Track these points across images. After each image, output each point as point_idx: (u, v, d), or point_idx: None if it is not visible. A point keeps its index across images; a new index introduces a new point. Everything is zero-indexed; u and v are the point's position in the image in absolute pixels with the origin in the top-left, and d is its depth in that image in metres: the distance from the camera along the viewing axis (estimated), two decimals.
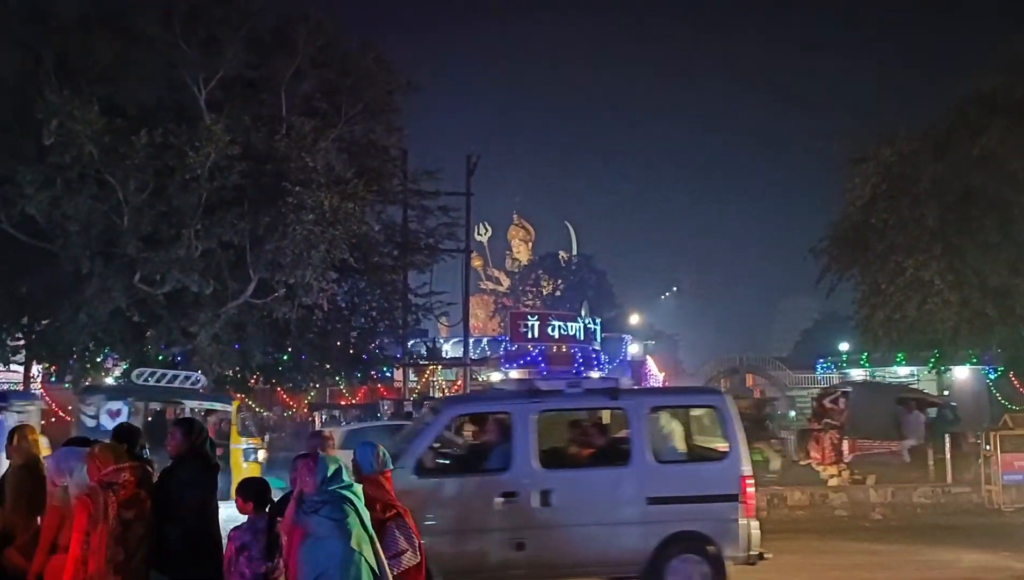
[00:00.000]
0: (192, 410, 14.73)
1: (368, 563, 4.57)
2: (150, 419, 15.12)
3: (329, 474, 4.63)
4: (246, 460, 14.61)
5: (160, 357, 19.75)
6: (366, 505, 4.73)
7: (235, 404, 15.97)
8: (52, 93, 15.86)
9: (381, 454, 5.28)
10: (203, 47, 18.92)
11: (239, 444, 14.71)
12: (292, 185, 16.88)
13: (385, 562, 4.73)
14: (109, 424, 13.02)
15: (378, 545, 4.70)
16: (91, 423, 13.75)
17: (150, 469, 5.21)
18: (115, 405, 14.05)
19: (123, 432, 5.47)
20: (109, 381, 23.69)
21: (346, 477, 4.73)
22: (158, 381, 15.29)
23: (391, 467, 5.35)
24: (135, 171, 16.33)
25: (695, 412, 9.06)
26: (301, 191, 16.77)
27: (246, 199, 17.35)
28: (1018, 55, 20.97)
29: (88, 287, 17.06)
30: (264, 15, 20.21)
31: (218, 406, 15.43)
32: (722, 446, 8.08)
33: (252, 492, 5.15)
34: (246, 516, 5.06)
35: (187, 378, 15.51)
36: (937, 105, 23.12)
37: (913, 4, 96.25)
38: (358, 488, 4.75)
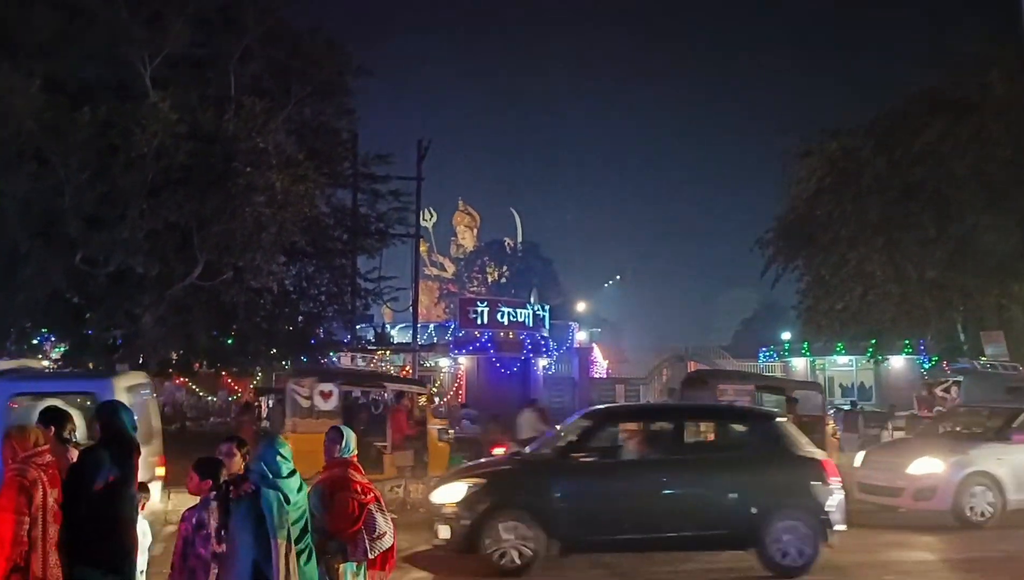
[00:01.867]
0: (393, 392, 15.97)
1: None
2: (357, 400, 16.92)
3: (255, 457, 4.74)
4: (440, 440, 15.81)
5: (101, 340, 19.30)
6: (348, 486, 4.76)
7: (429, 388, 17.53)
8: None
9: (354, 438, 5.34)
10: (148, 24, 18.39)
11: (433, 425, 15.87)
12: (242, 166, 16.56)
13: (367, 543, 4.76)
14: (322, 404, 14.51)
15: (281, 550, 4.65)
16: (305, 404, 14.74)
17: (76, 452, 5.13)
18: (326, 386, 14.93)
19: (50, 415, 5.27)
20: (45, 363, 23.11)
21: (265, 465, 4.72)
22: None
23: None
24: (77, 149, 15.82)
25: None
26: (251, 172, 16.46)
27: (193, 179, 16.94)
28: (960, 54, 21.60)
29: (26, 267, 16.52)
30: None
31: (415, 389, 16.77)
32: None
33: (208, 470, 5.09)
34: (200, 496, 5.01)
35: None
36: (882, 101, 23.68)
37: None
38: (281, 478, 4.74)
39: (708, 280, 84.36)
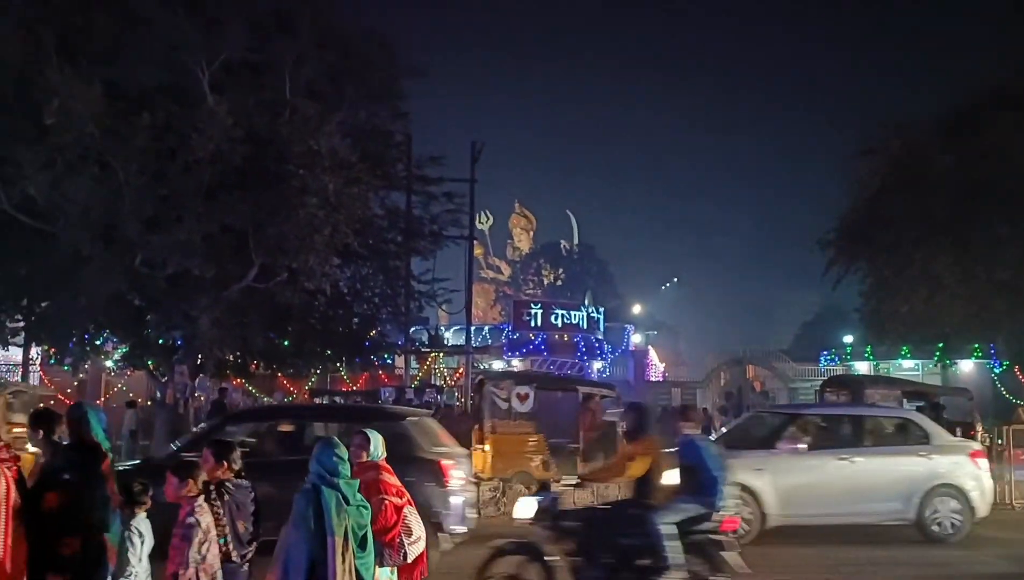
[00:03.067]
0: (585, 394, 16.44)
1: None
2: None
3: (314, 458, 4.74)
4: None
5: (160, 341, 19.62)
6: (379, 490, 4.69)
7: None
8: (52, 73, 15.62)
9: (381, 441, 5.25)
10: (205, 30, 18.64)
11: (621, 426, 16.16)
12: (295, 168, 16.66)
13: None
14: (519, 406, 15.11)
15: (338, 548, 4.56)
16: (503, 406, 15.23)
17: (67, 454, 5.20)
18: (523, 389, 15.41)
19: (41, 417, 5.42)
20: (108, 364, 23.59)
21: (326, 466, 4.69)
22: None
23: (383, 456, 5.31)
24: (136, 153, 16.09)
25: None
26: (304, 174, 16.56)
27: (249, 183, 17.11)
28: None
29: (88, 270, 16.86)
30: None
31: (605, 391, 17.13)
32: None
33: (185, 473, 5.06)
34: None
35: None
36: (947, 97, 22.89)
37: None
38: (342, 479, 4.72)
39: (768, 282, 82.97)
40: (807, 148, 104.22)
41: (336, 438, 5.08)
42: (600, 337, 32.29)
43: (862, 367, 31.11)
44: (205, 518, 4.91)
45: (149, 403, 22.97)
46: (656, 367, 41.45)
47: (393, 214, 23.51)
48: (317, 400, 23.61)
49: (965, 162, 21.20)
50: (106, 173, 16.41)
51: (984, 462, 11.84)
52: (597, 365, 31.98)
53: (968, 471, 11.55)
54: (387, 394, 23.28)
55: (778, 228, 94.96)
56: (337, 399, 23.55)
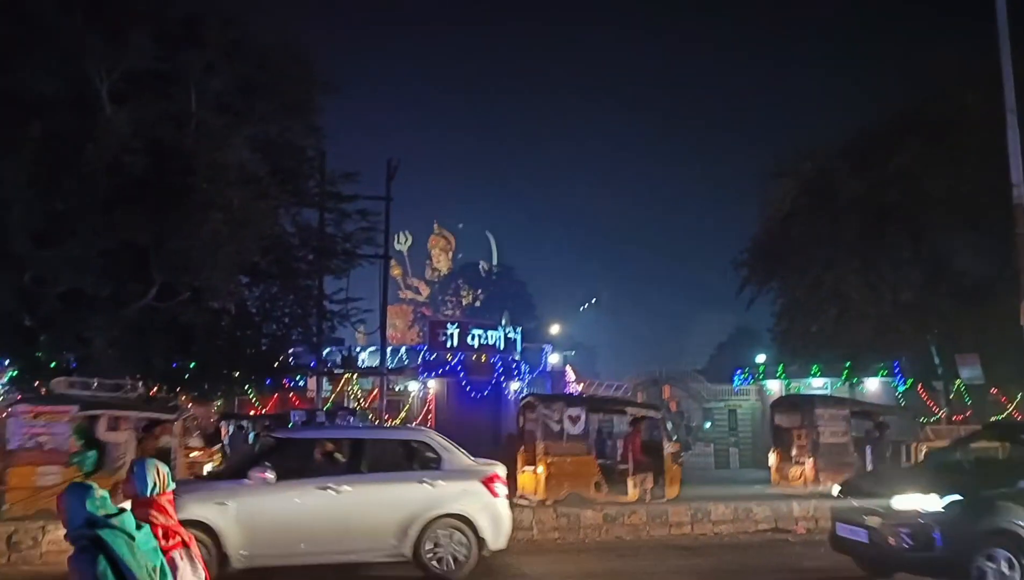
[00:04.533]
0: (633, 415, 16.79)
1: None
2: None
3: (69, 510, 3.91)
4: (674, 462, 16.32)
5: (53, 363, 18.54)
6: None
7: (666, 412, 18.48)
8: None
9: (164, 472, 4.49)
10: (107, 37, 17.81)
11: (667, 447, 16.31)
12: (200, 182, 15.97)
13: None
14: (571, 429, 15.50)
15: None
16: (556, 428, 15.51)
17: None
18: (574, 411, 15.74)
19: None
20: None
21: (91, 508, 3.90)
22: None
23: (173, 487, 4.61)
24: (26, 163, 15.18)
25: None
26: (209, 188, 15.88)
27: (150, 196, 16.33)
28: (934, 76, 21.48)
29: None
30: (174, 6, 19.23)
31: (651, 413, 17.27)
32: None
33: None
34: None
35: None
36: (856, 122, 23.52)
37: (842, 20, 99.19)
38: (124, 519, 3.97)
39: (685, 304, 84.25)
40: (725, 171, 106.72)
41: (83, 482, 4.42)
42: (517, 358, 32.04)
43: (774, 386, 31.57)
44: None
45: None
46: (574, 387, 41.40)
47: (305, 232, 22.83)
48: (224, 425, 22.66)
49: (873, 186, 21.79)
50: None
51: (503, 488, 10.75)
52: (515, 385, 31.71)
53: (479, 499, 10.44)
54: (297, 417, 22.49)
55: (695, 250, 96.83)
56: (244, 423, 22.63)
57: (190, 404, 22.15)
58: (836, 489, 10.76)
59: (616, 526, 13.89)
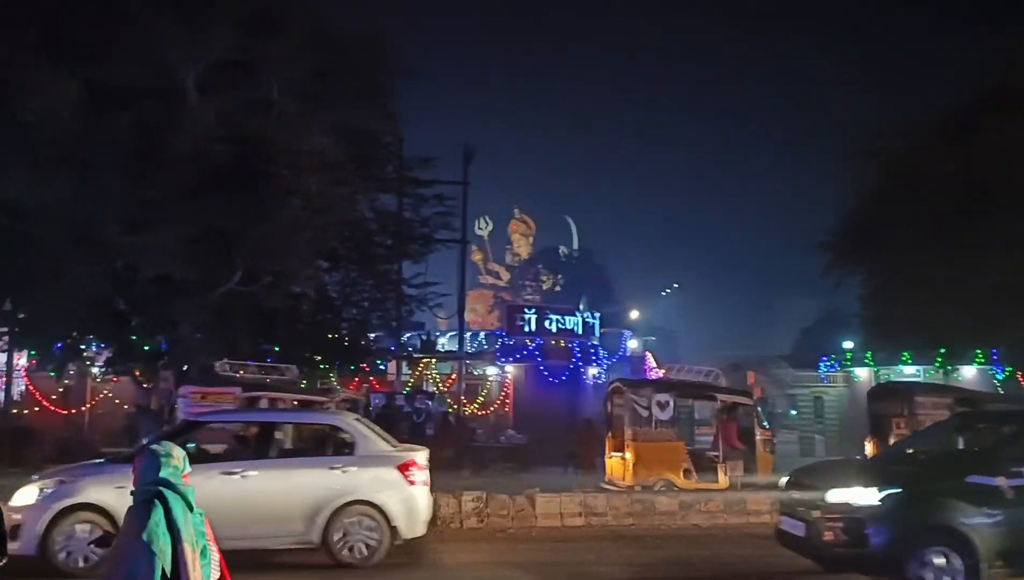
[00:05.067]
0: (723, 402, 16.68)
1: (163, 564, 4.00)
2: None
3: (144, 468, 4.22)
4: (765, 450, 16.38)
5: (146, 347, 19.24)
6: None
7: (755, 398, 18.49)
8: (32, 71, 15.27)
9: (179, 456, 4.56)
10: (191, 29, 18.29)
11: (759, 435, 16.33)
12: (279, 169, 16.29)
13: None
14: (659, 414, 15.54)
15: (187, 548, 4.10)
16: (644, 414, 15.63)
17: None
18: (663, 397, 15.83)
19: None
20: (95, 371, 23.15)
21: (164, 473, 4.20)
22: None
23: (189, 471, 4.66)
24: (117, 152, 15.73)
25: None
26: (288, 175, 16.19)
27: (232, 184, 16.74)
28: None
29: (69, 272, 16.50)
30: None
31: (742, 399, 17.08)
32: None
33: None
34: None
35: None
36: (949, 98, 22.45)
37: None
38: (181, 485, 4.22)
39: (770, 288, 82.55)
40: (810, 152, 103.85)
41: (163, 443, 4.60)
42: (596, 342, 31.85)
43: (862, 373, 30.68)
44: None
45: (135, 409, 22.58)
46: (656, 371, 41.02)
47: (383, 217, 23.13)
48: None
49: (967, 164, 20.77)
50: (87, 173, 16.06)
51: (421, 475, 10.44)
52: (593, 371, 31.55)
53: (392, 486, 10.15)
54: (377, 400, 22.84)
55: (781, 233, 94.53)
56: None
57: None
58: (783, 480, 10.15)
59: (692, 513, 13.69)
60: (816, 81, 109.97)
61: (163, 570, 3.95)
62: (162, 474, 4.20)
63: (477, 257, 61.02)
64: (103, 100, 16.42)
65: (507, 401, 28.20)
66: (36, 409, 24.59)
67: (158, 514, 4.03)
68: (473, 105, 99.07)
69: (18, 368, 23.88)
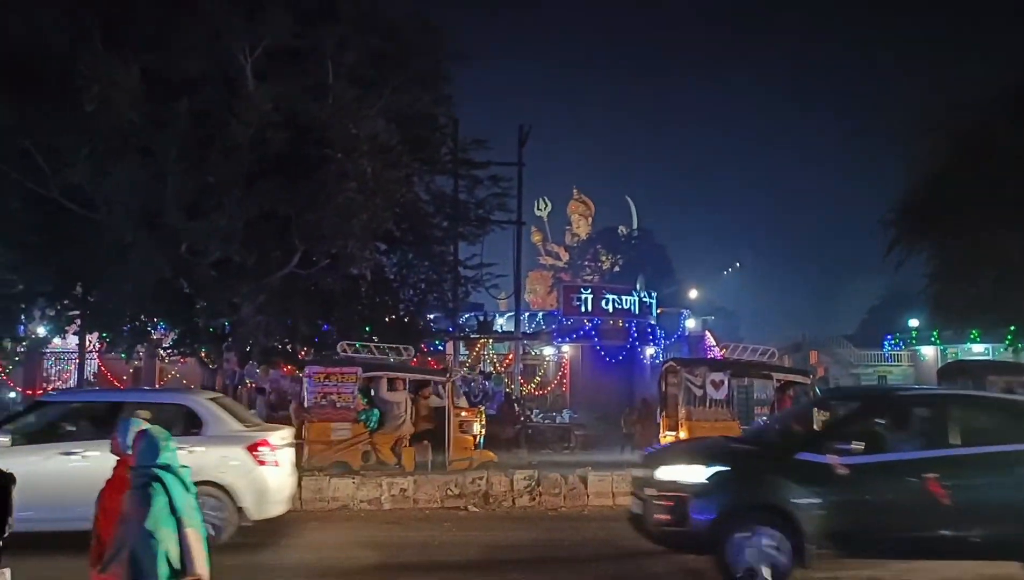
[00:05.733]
0: (782, 381, 16.57)
1: (165, 549, 4.20)
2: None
3: (143, 450, 4.42)
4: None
5: (211, 329, 19.74)
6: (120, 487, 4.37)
7: (814, 377, 18.18)
8: (93, 59, 15.71)
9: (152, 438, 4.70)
10: (248, 15, 18.60)
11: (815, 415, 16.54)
12: (334, 153, 16.51)
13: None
14: (713, 394, 15.48)
15: (190, 532, 4.33)
16: (699, 392, 15.56)
17: None
18: (717, 376, 15.68)
19: None
20: (162, 352, 23.88)
21: (164, 458, 4.38)
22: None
23: (140, 460, 4.73)
24: (177, 139, 16.12)
25: None
26: (343, 159, 16.39)
27: (289, 169, 17.02)
28: None
29: (133, 257, 17.00)
30: None
31: (799, 378, 16.95)
32: None
33: None
34: None
35: None
36: (1013, 70, 21.63)
37: None
38: (177, 466, 4.44)
39: (834, 267, 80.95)
40: (874, 129, 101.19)
41: (160, 430, 4.76)
42: (653, 322, 31.66)
43: (928, 352, 29.99)
44: None
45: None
46: (716, 351, 40.66)
47: (438, 199, 23.28)
48: None
49: None
50: (147, 160, 16.49)
51: (272, 455, 10.50)
52: (650, 350, 31.39)
53: (239, 466, 10.25)
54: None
55: (846, 212, 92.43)
56: None
57: None
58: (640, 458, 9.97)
59: None
60: (883, 56, 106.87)
61: (167, 555, 4.13)
62: (162, 458, 4.35)
63: (536, 238, 61.10)
64: (162, 88, 16.83)
65: (564, 381, 28.25)
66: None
67: (161, 500, 4.19)
68: (531, 85, 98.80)
69: (90, 349, 24.80)
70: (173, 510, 4.22)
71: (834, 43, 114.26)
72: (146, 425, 4.83)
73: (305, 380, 15.93)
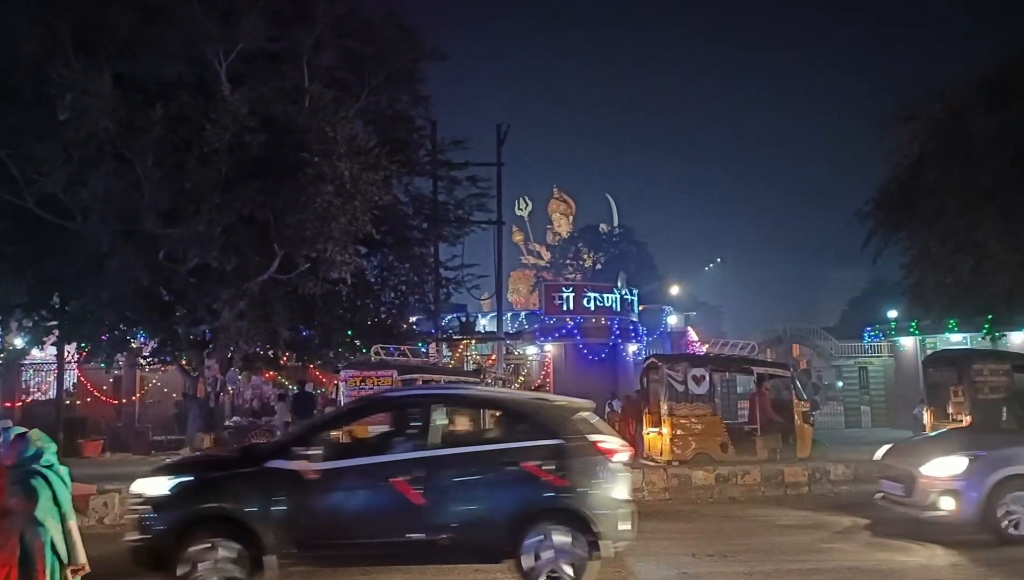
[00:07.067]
0: (760, 375, 16.63)
1: (53, 541, 4.80)
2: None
3: (29, 453, 4.97)
4: (805, 422, 16.29)
5: (191, 336, 19.61)
6: None
7: (796, 370, 18.38)
8: (66, 67, 15.58)
9: (30, 441, 5.22)
10: (221, 20, 18.51)
11: (797, 407, 16.39)
12: (312, 156, 16.44)
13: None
14: (695, 388, 15.55)
15: (72, 524, 4.96)
16: (680, 388, 15.64)
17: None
18: (698, 371, 15.82)
19: None
20: (141, 360, 23.72)
21: (46, 459, 4.97)
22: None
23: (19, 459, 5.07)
24: (152, 146, 16.01)
25: None
26: (320, 162, 16.32)
27: (266, 172, 16.93)
28: None
29: (110, 265, 16.86)
30: None
31: (779, 372, 17.16)
32: None
33: None
34: None
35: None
36: (991, 56, 21.85)
37: None
38: (59, 467, 5.04)
39: (814, 260, 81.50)
40: (853, 121, 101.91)
41: (39, 434, 5.25)
42: (635, 319, 31.73)
43: (907, 342, 30.19)
44: None
45: (183, 397, 23.08)
46: (699, 347, 40.80)
47: (418, 200, 23.24)
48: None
49: (1010, 124, 20.20)
50: (123, 167, 16.37)
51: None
52: (632, 347, 31.46)
53: None
54: (419, 382, 23.04)
55: (824, 204, 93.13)
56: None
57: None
58: None
59: (729, 486, 13.67)
60: (858, 46, 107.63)
61: (52, 543, 4.69)
62: (44, 459, 4.96)
63: (518, 238, 61.12)
64: (137, 94, 16.71)
65: (547, 380, 28.27)
66: (88, 399, 25.31)
67: (47, 493, 4.74)
68: (508, 84, 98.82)
69: (70, 360, 24.56)
70: (57, 503, 4.80)
71: (810, 34, 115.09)
72: (22, 429, 5.27)
73: (341, 384, 15.99)
